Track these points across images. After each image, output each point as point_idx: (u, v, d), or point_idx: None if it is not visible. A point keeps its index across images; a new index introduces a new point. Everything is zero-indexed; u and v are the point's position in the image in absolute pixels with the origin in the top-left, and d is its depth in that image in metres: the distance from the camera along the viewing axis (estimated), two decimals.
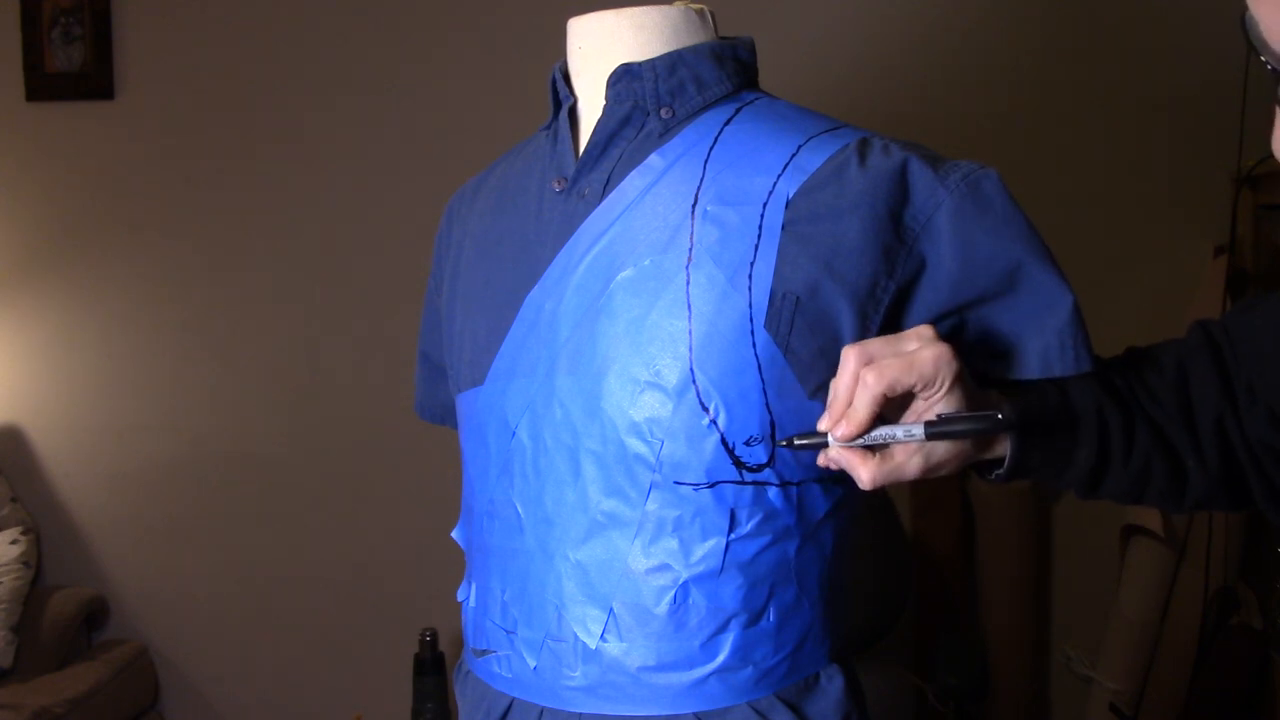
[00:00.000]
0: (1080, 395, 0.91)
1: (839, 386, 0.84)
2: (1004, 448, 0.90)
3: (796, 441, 0.86)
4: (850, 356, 0.83)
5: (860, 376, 0.82)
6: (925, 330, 0.85)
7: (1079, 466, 0.91)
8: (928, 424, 0.83)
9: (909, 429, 0.83)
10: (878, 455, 0.85)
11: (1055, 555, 2.58)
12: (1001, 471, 0.91)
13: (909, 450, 0.85)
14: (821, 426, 0.85)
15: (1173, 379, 0.93)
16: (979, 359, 0.93)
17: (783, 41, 2.17)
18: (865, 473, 0.85)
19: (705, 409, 0.90)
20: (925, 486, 2.48)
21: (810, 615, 0.96)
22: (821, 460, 0.87)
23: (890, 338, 0.85)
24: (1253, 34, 0.64)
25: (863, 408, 0.82)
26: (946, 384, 0.83)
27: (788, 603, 0.94)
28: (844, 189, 0.91)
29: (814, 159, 0.93)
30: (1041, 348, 0.91)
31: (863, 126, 0.97)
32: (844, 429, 0.83)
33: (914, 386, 0.83)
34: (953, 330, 0.93)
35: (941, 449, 0.85)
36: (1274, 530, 2.30)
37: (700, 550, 0.92)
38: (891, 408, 0.85)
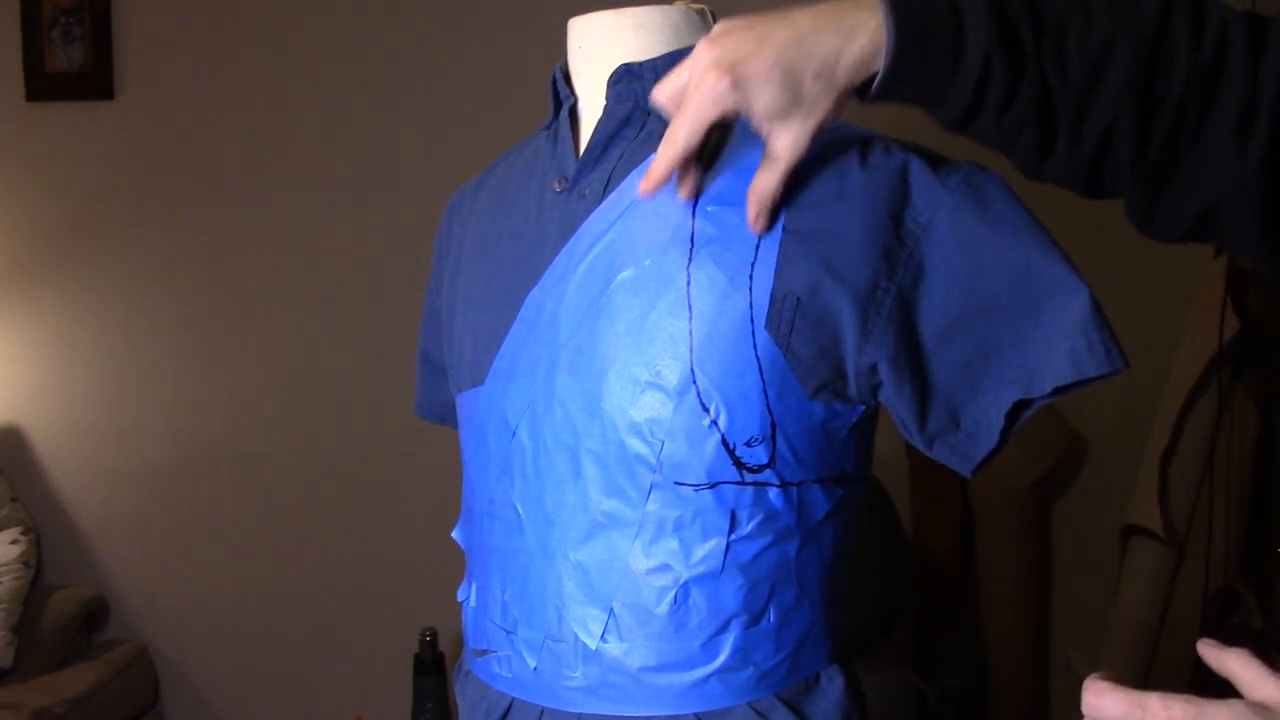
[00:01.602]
0: (975, 39, 0.81)
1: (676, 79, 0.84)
2: (878, 64, 0.81)
3: None
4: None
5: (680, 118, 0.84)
6: None
7: (952, 107, 0.83)
8: None
9: None
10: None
11: (1055, 555, 2.58)
12: (876, 86, 0.82)
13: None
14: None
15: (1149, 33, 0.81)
16: (1009, 371, 0.89)
17: None
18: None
19: (706, 409, 0.90)
20: (925, 486, 2.48)
21: (810, 616, 0.96)
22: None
23: None
24: None
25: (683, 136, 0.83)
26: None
27: (788, 603, 0.94)
28: (845, 189, 0.91)
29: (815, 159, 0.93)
30: (1069, 349, 0.87)
31: (863, 127, 0.97)
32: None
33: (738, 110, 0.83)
34: (975, 354, 0.90)
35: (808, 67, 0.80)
36: (1274, 530, 2.30)
37: (701, 551, 0.92)
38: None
